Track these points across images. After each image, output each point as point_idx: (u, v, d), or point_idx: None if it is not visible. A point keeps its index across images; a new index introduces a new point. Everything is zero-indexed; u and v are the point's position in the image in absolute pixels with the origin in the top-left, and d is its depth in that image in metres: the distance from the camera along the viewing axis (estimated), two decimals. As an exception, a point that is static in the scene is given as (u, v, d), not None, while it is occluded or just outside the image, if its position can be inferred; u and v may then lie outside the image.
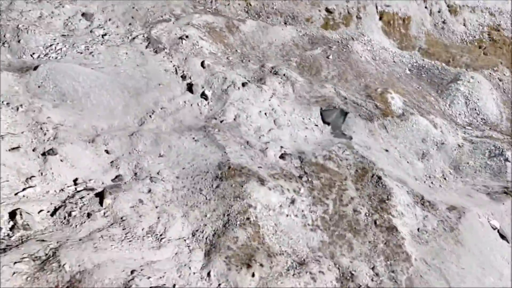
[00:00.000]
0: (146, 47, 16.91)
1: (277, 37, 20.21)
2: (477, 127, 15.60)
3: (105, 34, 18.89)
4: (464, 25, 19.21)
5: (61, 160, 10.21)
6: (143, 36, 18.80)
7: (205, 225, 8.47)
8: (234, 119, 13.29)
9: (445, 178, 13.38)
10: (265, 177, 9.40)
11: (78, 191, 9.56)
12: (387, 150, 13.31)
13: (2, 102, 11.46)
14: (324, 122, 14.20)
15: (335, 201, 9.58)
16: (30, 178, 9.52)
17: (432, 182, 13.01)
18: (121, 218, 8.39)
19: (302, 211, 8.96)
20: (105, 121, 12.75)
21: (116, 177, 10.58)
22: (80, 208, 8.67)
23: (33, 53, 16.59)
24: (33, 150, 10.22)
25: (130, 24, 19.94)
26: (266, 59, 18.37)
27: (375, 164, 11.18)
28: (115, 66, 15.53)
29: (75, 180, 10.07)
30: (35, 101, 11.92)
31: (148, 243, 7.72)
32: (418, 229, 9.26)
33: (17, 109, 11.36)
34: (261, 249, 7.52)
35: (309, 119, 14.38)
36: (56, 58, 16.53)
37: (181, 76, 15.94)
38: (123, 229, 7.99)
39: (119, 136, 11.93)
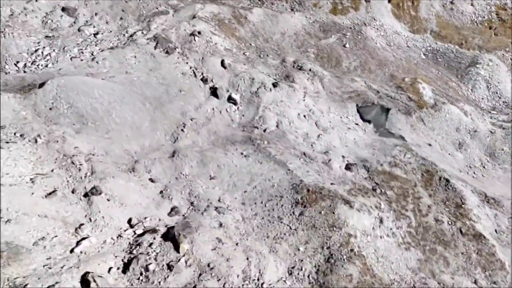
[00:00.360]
0: (155, 47, 14.95)
1: (288, 26, 18.92)
2: (501, 110, 15.93)
3: (97, 33, 16.56)
4: (472, 5, 19.15)
5: (108, 200, 8.75)
6: (142, 32, 16.72)
7: (301, 260, 7.69)
8: (277, 126, 12.27)
9: (484, 167, 13.58)
10: (348, 198, 8.70)
11: (140, 235, 8.29)
12: (430, 145, 13.14)
13: (14, 134, 9.49)
14: (364, 119, 13.65)
15: (414, 212, 9.24)
16: (79, 227, 8.05)
17: (474, 172, 13.13)
18: (208, 265, 7.36)
19: (391, 229, 8.50)
20: (136, 142, 11.16)
21: (172, 210, 9.35)
22: (156, 259, 7.48)
23: (17, 62, 14.17)
24: (73, 192, 8.63)
25: (121, 18, 17.65)
26: (283, 52, 17.14)
27: (437, 165, 10.94)
28: (127, 74, 13.59)
29: (129, 221, 8.73)
30: (53, 128, 10.02)
31: (251, 293, 6.84)
32: (495, 231, 9.25)
33: (36, 140, 9.47)
34: (376, 284, 6.98)
35: (347, 117, 13.73)
36: (46, 66, 14.25)
37: (202, 80, 14.38)
38: (218, 280, 7.00)
39: (159, 159, 10.50)
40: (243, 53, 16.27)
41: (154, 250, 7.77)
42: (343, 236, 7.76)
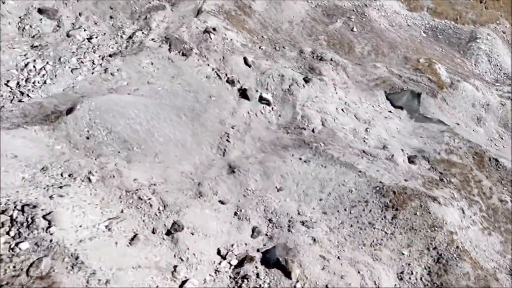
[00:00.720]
0: (170, 50, 13.56)
1: (293, 13, 18.16)
2: (503, 82, 17.07)
3: (91, 37, 14.75)
4: (462, -21, 19.77)
5: (192, 233, 8.03)
6: (142, 32, 15.12)
7: (409, 264, 7.77)
8: (323, 125, 11.99)
9: (502, 138, 14.62)
10: (432, 195, 8.85)
11: (237, 266, 7.81)
12: (458, 124, 13.76)
13: (62, 175, 8.15)
14: (395, 106, 13.84)
15: (480, 196, 9.74)
16: (174, 270, 7.33)
17: (496, 144, 14.08)
18: (327, 287, 7.16)
19: (470, 217, 8.89)
20: (186, 162, 10.24)
21: (253, 231, 8.87)
22: None
23: (7, 81, 12.23)
24: (153, 232, 7.76)
25: (111, 17, 15.84)
26: (296, 42, 16.51)
27: (481, 146, 11.54)
28: (149, 84, 12.22)
29: (218, 252, 8.15)
30: (101, 160, 8.77)
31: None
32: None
33: (89, 179, 8.26)
34: (488, 277, 7.30)
35: (379, 106, 13.83)
36: (45, 82, 12.51)
37: (228, 81, 13.44)
38: None
39: (219, 178, 9.78)
40: (259, 47, 15.42)
41: (265, 281, 7.37)
42: (447, 235, 7.99)
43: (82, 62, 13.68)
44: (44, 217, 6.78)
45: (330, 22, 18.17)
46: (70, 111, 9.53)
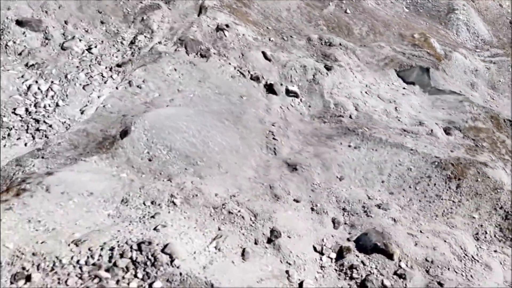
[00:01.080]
0: (187, 52, 12.89)
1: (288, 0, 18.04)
2: (482, 48, 18.89)
3: (90, 48, 13.63)
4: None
5: (289, 237, 8.16)
6: (144, 36, 14.22)
7: (481, 225, 8.72)
8: (356, 110, 12.48)
9: (493, 99, 16.41)
10: (482, 160, 9.89)
11: (338, 258, 8.20)
12: (460, 91, 15.14)
13: (144, 204, 7.66)
14: (407, 82, 14.78)
15: (509, 155, 11.06)
16: (288, 275, 7.49)
17: (490, 105, 15.80)
18: (426, 260, 7.81)
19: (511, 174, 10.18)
20: (246, 166, 10.13)
21: (333, 222, 9.23)
22: (381, 274, 7.61)
23: (14, 109, 11.04)
24: (256, 243, 7.77)
25: (102, 22, 14.75)
26: (299, 29, 16.56)
27: (493, 109, 12.91)
28: (180, 92, 11.62)
29: (315, 249, 8.42)
30: (177, 181, 8.36)
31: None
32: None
33: (174, 203, 7.89)
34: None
35: (393, 84, 14.66)
36: (57, 104, 11.49)
37: (252, 78, 13.25)
38: (447, 269, 7.58)
39: (284, 177, 9.86)
40: (269, 39, 15.27)
41: (371, 266, 7.85)
42: (508, 194, 9.09)
43: (91, 76, 12.59)
44: (162, 251, 6.47)
45: (324, 6, 18.45)
46: (124, 134, 8.85)
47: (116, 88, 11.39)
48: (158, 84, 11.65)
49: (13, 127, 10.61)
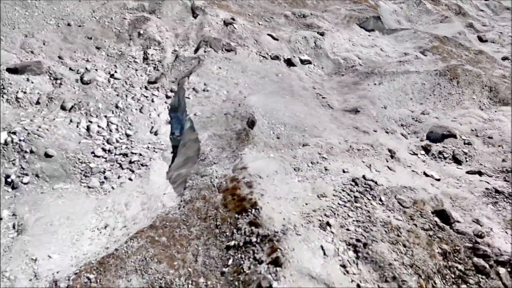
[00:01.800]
0: (215, 51, 13.69)
1: (245, -13, 19.59)
2: (388, -7, 24.43)
3: (112, 74, 13.55)
4: None
5: (396, 151, 11.10)
6: (154, 49, 14.47)
7: (479, 101, 13.12)
8: (359, 58, 15.77)
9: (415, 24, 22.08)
10: (459, 63, 14.42)
11: (429, 152, 11.55)
12: (407, 27, 20.10)
13: (308, 165, 9.29)
14: (368, 30, 18.79)
15: (456, 59, 16.03)
16: (415, 172, 10.44)
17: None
18: (475, 130, 11.78)
19: (470, 68, 15.18)
20: (326, 122, 12.31)
21: (403, 136, 12.53)
22: (458, 150, 11.29)
23: (93, 152, 10.85)
24: (387, 161, 10.39)
25: (98, 47, 14.72)
26: (271, 10, 18.63)
27: (431, 32, 17.91)
28: (237, 85, 12.68)
29: (411, 154, 11.57)
30: (310, 144, 10.05)
31: None
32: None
33: (323, 157, 9.73)
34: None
35: (361, 34, 18.47)
36: (127, 135, 11.65)
37: (273, 58, 15.06)
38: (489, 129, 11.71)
39: (356, 119, 12.56)
40: (258, 23, 17.04)
41: (449, 147, 11.45)
42: (487, 76, 13.76)
43: (138, 99, 12.53)
44: (365, 179, 8.59)
45: (273, -14, 20.84)
46: (252, 124, 10.01)
47: (188, 97, 11.78)
48: (217, 83, 12.55)
49: (105, 169, 10.35)
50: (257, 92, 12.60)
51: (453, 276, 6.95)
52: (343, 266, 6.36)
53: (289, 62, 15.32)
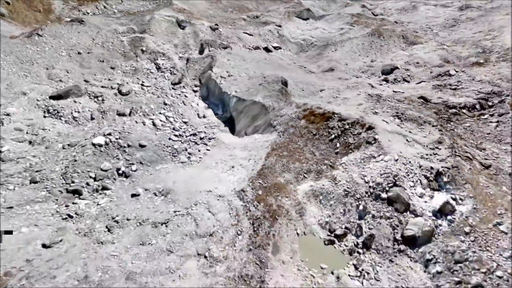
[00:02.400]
0: (217, 49, 16.84)
1: (202, 3, 22.81)
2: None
3: (143, 83, 15.73)
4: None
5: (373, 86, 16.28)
6: (162, 59, 16.99)
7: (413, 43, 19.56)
8: (313, 37, 20.85)
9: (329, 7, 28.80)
10: (383, 23, 20.60)
11: (391, 83, 17.15)
12: (333, 12, 26.32)
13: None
14: (304, 19, 24.28)
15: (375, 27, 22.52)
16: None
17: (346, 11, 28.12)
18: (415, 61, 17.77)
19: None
20: (322, 83, 16.75)
21: (382, 80, 17.95)
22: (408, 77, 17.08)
23: (170, 139, 13.35)
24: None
25: (112, 67, 16.92)
26: (229, 17, 22.43)
27: (350, 13, 24.31)
28: (247, 69, 16.08)
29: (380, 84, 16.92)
30: (328, 105, 14.24)
31: None
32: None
33: (375, 102, 14.06)
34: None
35: (300, 23, 23.88)
36: (186, 123, 14.24)
37: (255, 48, 18.94)
38: None
39: (332, 76, 17.37)
40: (229, 27, 20.71)
41: (407, 74, 17.20)
42: (401, 30, 20.31)
43: (177, 96, 14.98)
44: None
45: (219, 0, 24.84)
46: (285, 84, 13.74)
47: (221, 83, 14.74)
48: (233, 70, 15.85)
49: (185, 148, 12.80)
50: (264, 70, 16.37)
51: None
52: (398, 125, 10.80)
53: (267, 49, 19.51)
